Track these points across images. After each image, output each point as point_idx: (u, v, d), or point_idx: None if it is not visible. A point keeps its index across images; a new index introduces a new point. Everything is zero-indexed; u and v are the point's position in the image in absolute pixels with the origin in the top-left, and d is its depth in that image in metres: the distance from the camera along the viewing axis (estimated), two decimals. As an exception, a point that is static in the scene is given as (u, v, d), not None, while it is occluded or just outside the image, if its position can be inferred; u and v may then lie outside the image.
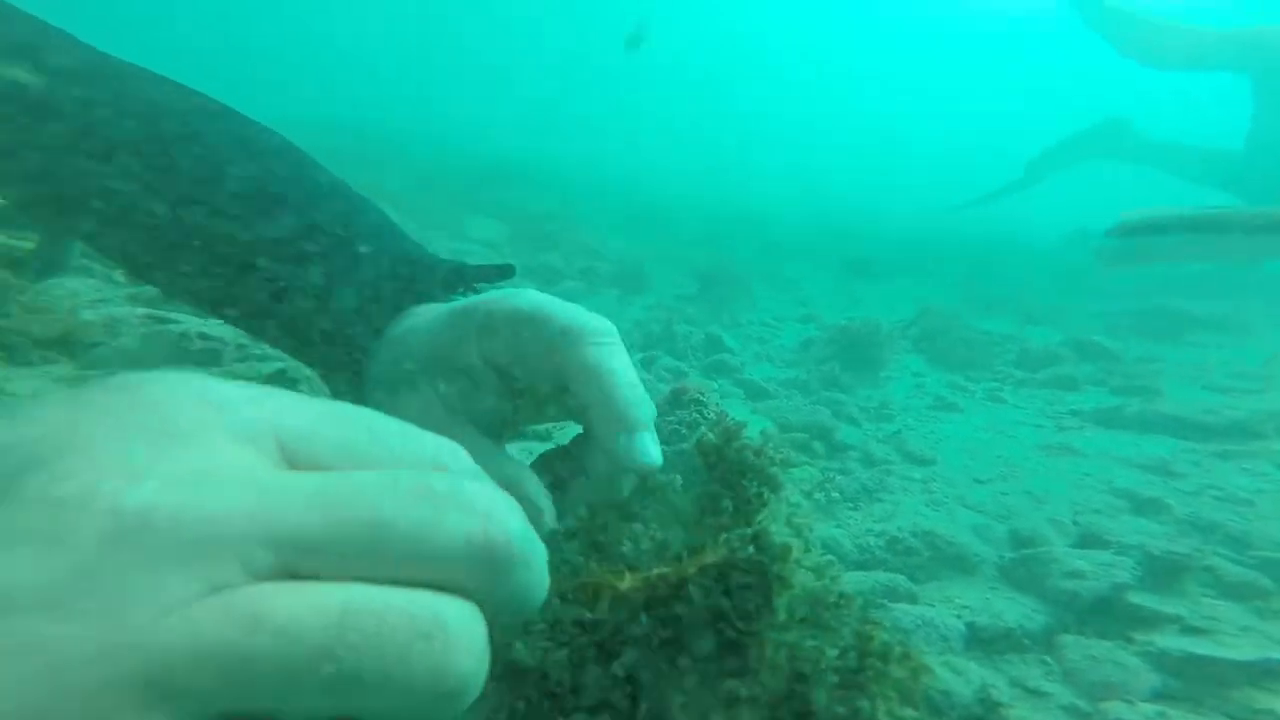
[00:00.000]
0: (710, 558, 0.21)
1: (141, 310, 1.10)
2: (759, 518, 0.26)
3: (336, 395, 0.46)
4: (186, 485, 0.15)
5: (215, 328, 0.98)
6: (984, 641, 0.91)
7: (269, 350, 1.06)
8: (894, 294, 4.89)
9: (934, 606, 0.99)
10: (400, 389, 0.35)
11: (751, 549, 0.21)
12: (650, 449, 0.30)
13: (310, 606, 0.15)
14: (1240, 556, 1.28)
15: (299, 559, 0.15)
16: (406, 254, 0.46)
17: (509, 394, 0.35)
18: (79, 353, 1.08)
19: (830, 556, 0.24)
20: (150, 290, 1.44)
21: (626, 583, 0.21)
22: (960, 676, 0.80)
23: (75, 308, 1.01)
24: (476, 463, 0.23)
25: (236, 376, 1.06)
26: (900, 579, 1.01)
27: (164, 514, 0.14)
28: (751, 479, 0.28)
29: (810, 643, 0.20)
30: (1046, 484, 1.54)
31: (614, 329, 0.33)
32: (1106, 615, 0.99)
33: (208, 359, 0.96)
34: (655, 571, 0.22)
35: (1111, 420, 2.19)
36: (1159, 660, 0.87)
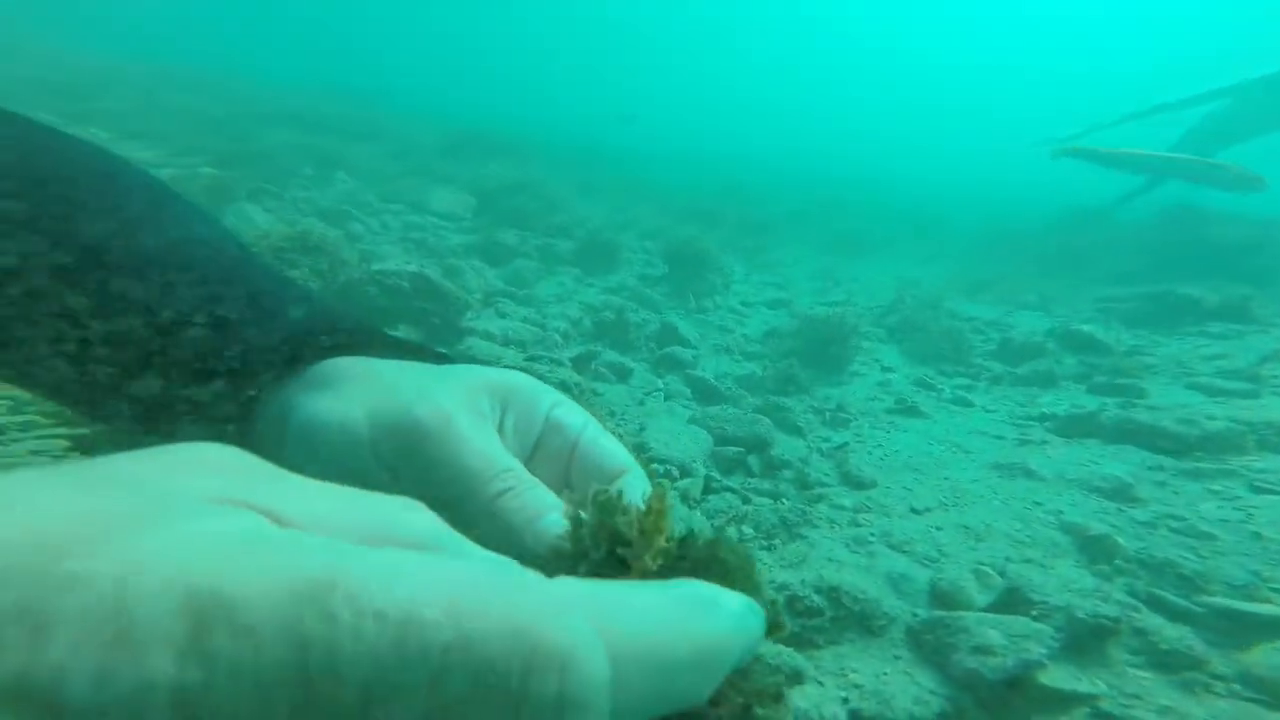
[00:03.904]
0: None
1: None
2: None
3: None
4: None
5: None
6: (864, 735, 0.82)
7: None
8: (881, 272, 4.70)
9: (823, 685, 0.89)
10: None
11: None
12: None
13: None
14: (1187, 602, 1.18)
15: None
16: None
17: None
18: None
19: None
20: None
21: None
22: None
23: None
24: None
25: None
26: (788, 654, 0.91)
27: None
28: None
29: None
30: (989, 516, 1.43)
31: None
32: (1011, 699, 0.90)
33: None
34: None
35: (1081, 428, 2.06)
36: (1053, 769, 0.78)
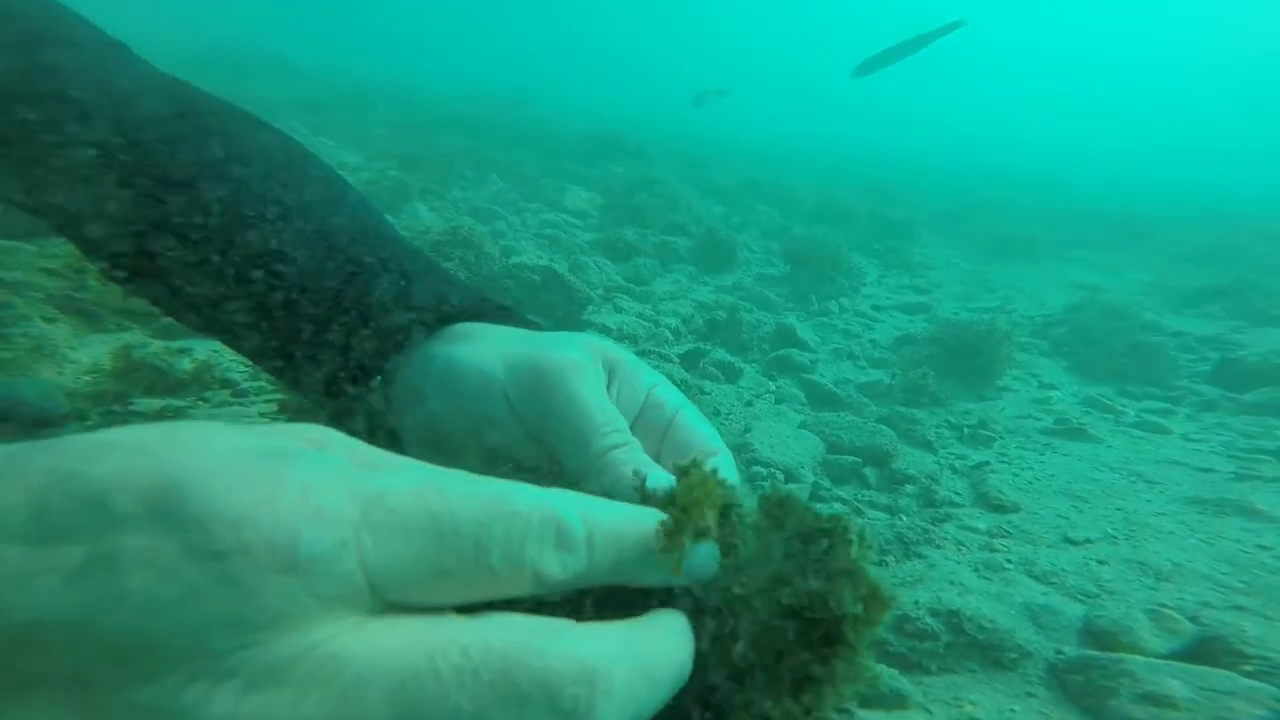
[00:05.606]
0: None
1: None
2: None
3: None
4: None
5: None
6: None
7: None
8: (1049, 279, 4.05)
9: (930, 713, 0.77)
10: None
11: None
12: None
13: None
14: None
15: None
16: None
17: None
18: (149, 320, 1.27)
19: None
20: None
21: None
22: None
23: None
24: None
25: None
26: (889, 673, 0.81)
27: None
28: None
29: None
30: (1180, 555, 1.15)
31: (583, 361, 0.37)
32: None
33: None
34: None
35: (1339, 469, 1.58)
36: None
